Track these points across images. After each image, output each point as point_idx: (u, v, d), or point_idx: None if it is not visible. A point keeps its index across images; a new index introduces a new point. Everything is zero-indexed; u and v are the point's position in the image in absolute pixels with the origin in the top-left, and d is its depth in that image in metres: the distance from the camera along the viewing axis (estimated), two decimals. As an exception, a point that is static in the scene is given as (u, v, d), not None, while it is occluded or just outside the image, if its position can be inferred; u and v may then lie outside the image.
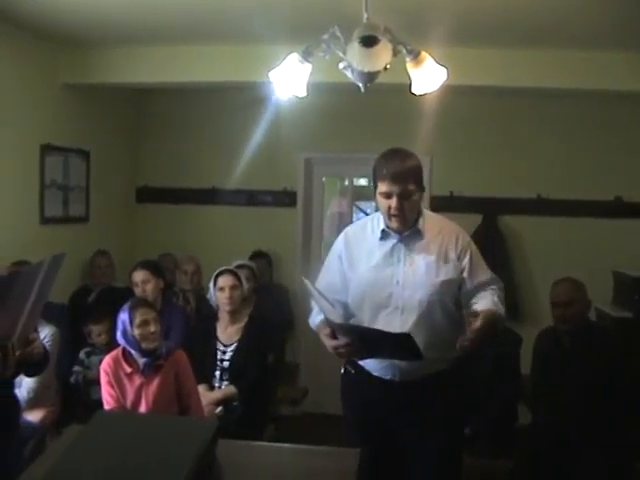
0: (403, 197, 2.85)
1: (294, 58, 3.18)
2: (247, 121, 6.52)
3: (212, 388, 4.40)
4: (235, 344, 4.45)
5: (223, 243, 6.55)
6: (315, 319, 3.07)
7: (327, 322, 2.86)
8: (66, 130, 5.64)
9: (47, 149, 5.38)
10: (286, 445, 2.75)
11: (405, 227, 2.95)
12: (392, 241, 2.99)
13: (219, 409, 4.30)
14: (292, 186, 6.68)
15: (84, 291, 5.67)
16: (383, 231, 2.99)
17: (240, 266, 5.21)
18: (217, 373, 4.42)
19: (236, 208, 6.74)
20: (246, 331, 4.48)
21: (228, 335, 4.50)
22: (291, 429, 5.20)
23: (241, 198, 6.74)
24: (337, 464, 2.40)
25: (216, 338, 4.49)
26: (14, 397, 3.03)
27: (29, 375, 3.13)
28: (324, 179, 6.95)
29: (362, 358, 2.98)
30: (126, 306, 3.88)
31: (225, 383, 4.40)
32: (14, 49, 4.91)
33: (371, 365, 3.01)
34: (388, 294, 2.93)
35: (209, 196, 6.77)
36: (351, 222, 7.00)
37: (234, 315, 4.54)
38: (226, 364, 4.42)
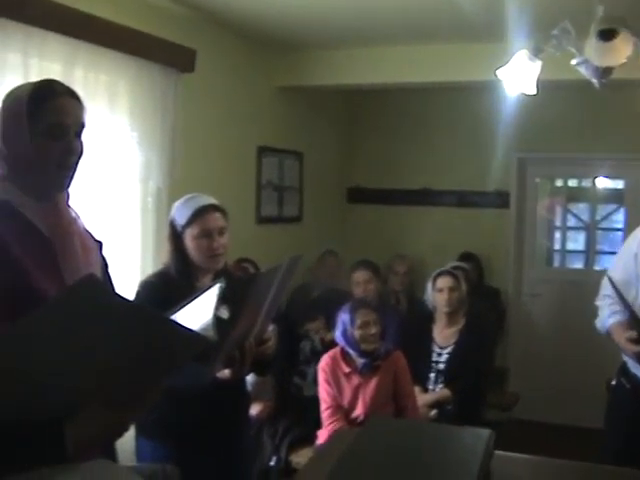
0: None
1: (523, 55, 3.07)
2: (458, 121, 6.43)
3: (426, 390, 4.35)
4: (452, 346, 4.38)
5: (431, 244, 6.48)
6: (606, 321, 2.91)
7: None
8: (281, 132, 5.79)
9: (263, 151, 5.54)
10: (565, 462, 2.57)
11: None
12: None
13: (433, 412, 4.24)
14: (503, 187, 6.50)
15: (304, 290, 5.76)
16: None
17: (455, 267, 5.12)
18: (432, 375, 4.36)
19: (446, 209, 6.64)
20: (463, 334, 4.40)
21: (444, 337, 4.43)
22: (501, 436, 5.04)
23: (451, 199, 6.63)
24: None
25: (432, 340, 4.44)
26: (247, 392, 3.13)
27: (260, 374, 3.21)
28: (538, 180, 6.71)
29: None
30: (347, 306, 3.91)
31: (440, 386, 4.33)
32: (233, 55, 5.10)
33: None
34: None
35: (419, 197, 6.72)
36: (563, 224, 6.75)
37: (452, 317, 4.46)
38: (442, 366, 4.36)
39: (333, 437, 2.83)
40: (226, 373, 2.52)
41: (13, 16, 3.12)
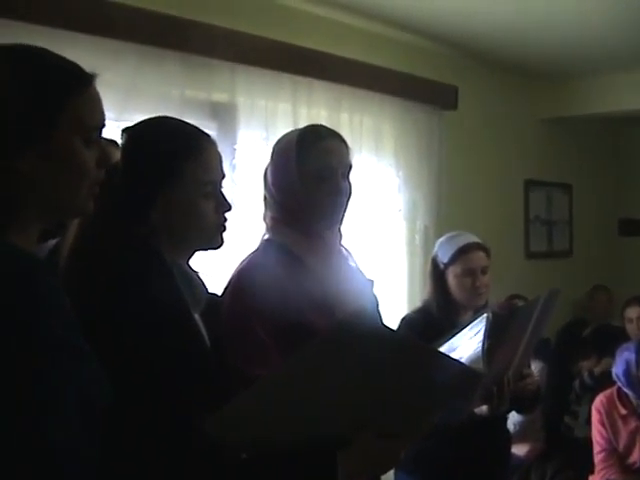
0: None
1: None
2: None
3: None
4: None
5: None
6: None
7: None
8: (547, 164, 5.65)
9: (530, 184, 5.45)
10: None
11: None
12: None
13: None
14: None
15: (575, 326, 5.57)
16: None
17: None
18: None
19: None
20: None
21: None
22: None
23: None
24: None
25: None
26: (507, 431, 3.06)
27: (521, 412, 3.13)
28: None
29: None
30: (632, 345, 3.69)
31: None
32: (495, 89, 5.08)
33: None
34: None
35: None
36: None
37: None
38: None
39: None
40: (484, 409, 2.48)
41: (283, 68, 3.37)
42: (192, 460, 1.42)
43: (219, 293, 1.81)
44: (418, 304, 3.15)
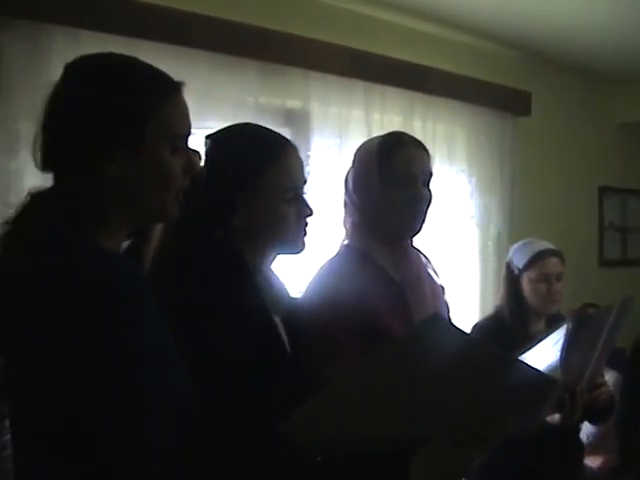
0: None
1: None
2: None
3: None
4: None
5: None
6: None
7: None
8: (622, 170, 5.53)
9: (605, 191, 5.37)
10: None
11: None
12: None
13: None
14: None
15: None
16: None
17: None
18: None
19: None
20: None
21: None
22: None
23: None
24: None
25: None
26: (580, 442, 3.01)
27: (593, 422, 3.08)
28: None
29: None
30: None
31: None
32: (569, 94, 5.00)
33: None
34: None
35: None
36: None
37: None
38: None
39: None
40: (556, 418, 2.45)
41: (356, 75, 3.39)
42: (272, 461, 1.44)
43: (299, 297, 1.83)
44: (490, 311, 3.14)
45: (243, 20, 3.02)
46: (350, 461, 1.46)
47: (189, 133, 1.31)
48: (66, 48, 2.46)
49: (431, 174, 1.92)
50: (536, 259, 2.76)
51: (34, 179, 1.29)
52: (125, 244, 1.36)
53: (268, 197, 1.61)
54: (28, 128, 2.07)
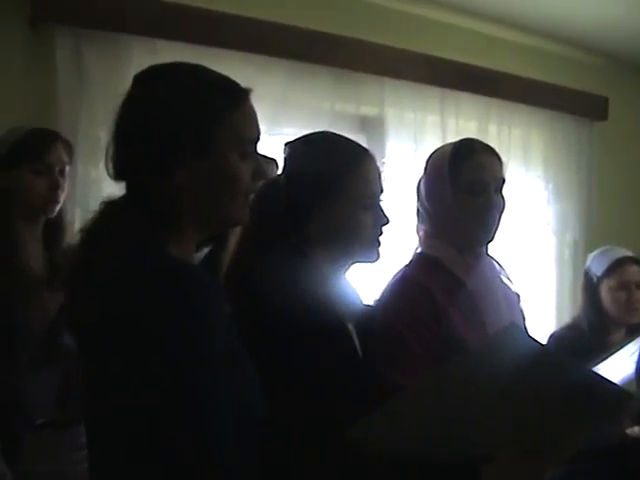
0: None
1: None
2: None
3: None
4: None
5: None
6: None
7: None
8: None
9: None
10: None
11: None
12: None
13: None
14: None
15: None
16: None
17: None
18: None
19: None
20: None
21: None
22: None
23: None
24: None
25: None
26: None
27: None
28: None
29: None
30: None
31: None
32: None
33: None
34: None
35: None
36: None
37: None
38: None
39: None
40: (636, 431, 2.39)
41: (430, 80, 3.39)
42: (340, 466, 1.44)
43: (372, 304, 1.84)
44: (567, 321, 3.09)
45: (318, 28, 3.05)
46: (418, 471, 1.45)
47: (258, 139, 1.32)
48: (144, 58, 2.51)
49: (504, 181, 1.90)
50: (615, 267, 2.71)
51: (113, 187, 1.31)
52: (204, 251, 1.38)
53: (346, 205, 1.62)
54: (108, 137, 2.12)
